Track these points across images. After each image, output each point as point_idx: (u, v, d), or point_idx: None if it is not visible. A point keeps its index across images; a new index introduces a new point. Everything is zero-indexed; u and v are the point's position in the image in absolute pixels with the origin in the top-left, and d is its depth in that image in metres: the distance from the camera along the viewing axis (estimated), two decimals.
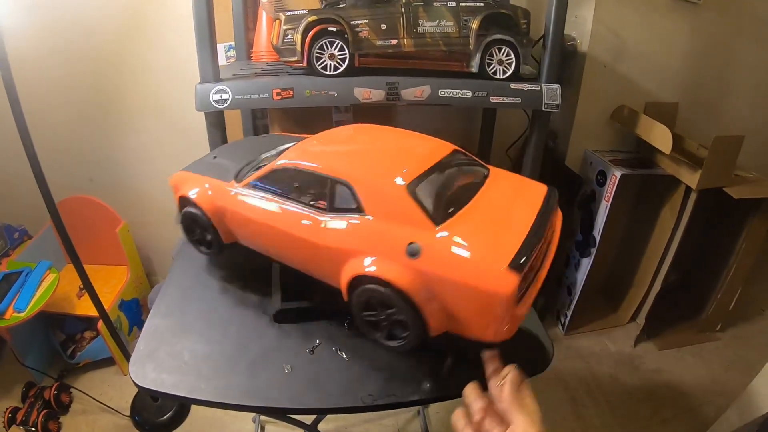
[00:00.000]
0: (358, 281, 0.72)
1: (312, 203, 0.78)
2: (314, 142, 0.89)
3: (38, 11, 1.68)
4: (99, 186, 2.04)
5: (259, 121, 1.85)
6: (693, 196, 1.74)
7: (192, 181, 0.96)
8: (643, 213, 2.03)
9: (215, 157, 1.04)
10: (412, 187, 0.72)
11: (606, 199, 1.84)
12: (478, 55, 1.30)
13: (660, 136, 1.68)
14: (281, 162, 0.83)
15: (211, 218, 0.91)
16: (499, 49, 1.30)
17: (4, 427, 1.62)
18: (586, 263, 1.97)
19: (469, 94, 1.30)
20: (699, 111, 2.00)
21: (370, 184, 0.74)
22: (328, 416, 1.43)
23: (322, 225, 0.76)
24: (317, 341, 0.85)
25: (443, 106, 1.33)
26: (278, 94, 1.25)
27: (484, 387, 0.66)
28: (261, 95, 1.25)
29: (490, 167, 0.87)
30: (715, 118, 2.06)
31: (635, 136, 1.87)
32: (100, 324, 1.70)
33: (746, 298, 2.10)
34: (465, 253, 0.66)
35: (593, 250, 1.93)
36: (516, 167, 1.90)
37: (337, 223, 0.75)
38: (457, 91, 1.30)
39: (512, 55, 1.31)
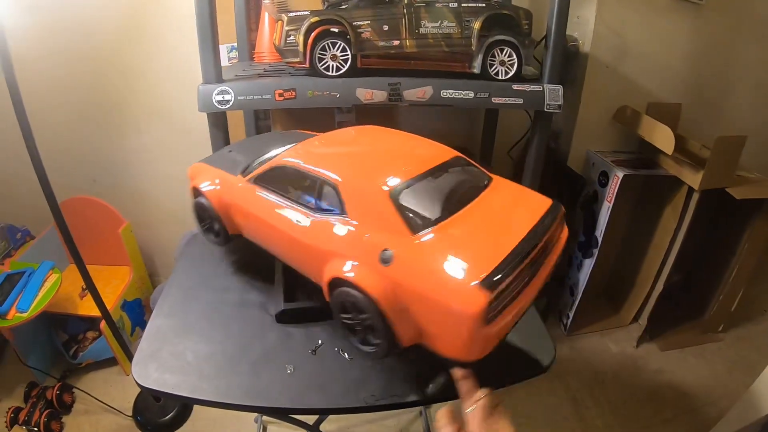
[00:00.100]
0: (335, 283, 0.72)
1: (303, 202, 0.79)
2: (315, 143, 0.90)
3: (41, 11, 1.68)
4: (102, 186, 2.05)
5: (261, 122, 1.85)
6: (695, 197, 1.74)
7: (205, 172, 0.98)
8: (645, 213, 2.02)
9: (230, 151, 1.06)
10: (396, 193, 0.70)
11: (608, 199, 1.84)
12: (480, 56, 1.30)
13: (662, 137, 1.68)
14: (280, 159, 0.84)
15: (217, 209, 0.94)
16: (501, 50, 1.30)
17: (7, 427, 1.63)
18: (588, 264, 1.97)
19: (471, 94, 1.30)
20: (701, 111, 2.00)
21: (354, 186, 0.73)
22: (331, 416, 1.43)
23: (309, 224, 0.77)
24: (320, 341, 0.85)
25: (445, 107, 1.33)
26: (281, 94, 1.25)
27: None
28: (263, 96, 1.26)
29: (495, 177, 0.85)
30: (717, 118, 2.05)
31: (637, 137, 1.86)
32: (103, 324, 1.70)
33: (749, 299, 2.10)
34: (435, 265, 0.63)
35: (595, 251, 1.92)
36: (518, 168, 1.90)
37: (322, 223, 0.75)
38: (459, 91, 1.30)
39: (514, 56, 1.31)
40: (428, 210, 0.71)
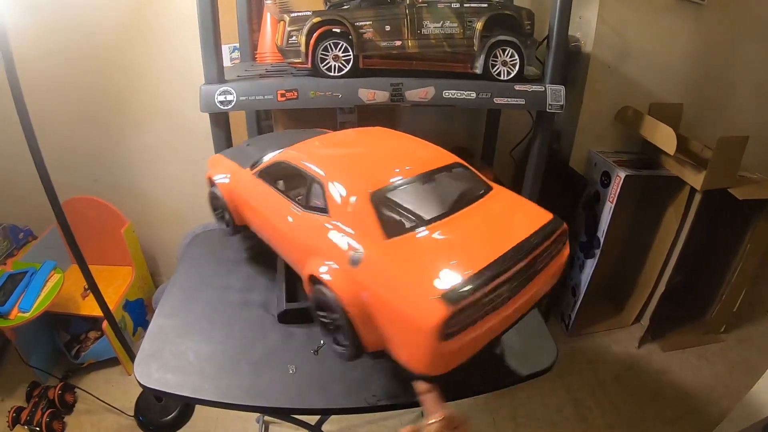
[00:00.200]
0: (313, 280, 0.72)
1: (295, 198, 0.81)
2: (316, 143, 0.91)
3: (42, 11, 1.68)
4: (104, 186, 2.05)
5: (263, 123, 1.85)
6: (697, 197, 1.74)
7: (220, 164, 1.02)
8: (647, 214, 2.02)
9: (248, 145, 1.10)
10: (378, 195, 0.70)
11: (610, 200, 1.83)
12: (483, 56, 1.30)
13: (664, 137, 1.68)
14: (280, 156, 0.86)
15: (227, 200, 0.97)
16: (504, 50, 1.30)
17: (9, 426, 1.63)
18: (590, 264, 1.97)
19: (473, 95, 1.30)
20: (703, 111, 2.00)
21: (338, 185, 0.74)
22: (332, 417, 1.43)
23: (297, 220, 0.78)
24: (322, 342, 0.85)
25: (447, 107, 1.33)
26: (283, 95, 1.25)
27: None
28: (265, 96, 1.26)
29: (496, 187, 0.83)
30: (719, 118, 2.05)
31: (639, 137, 1.86)
32: (105, 324, 1.70)
33: (751, 300, 2.09)
34: (400, 273, 0.62)
35: (597, 251, 1.92)
36: (520, 168, 1.90)
37: (308, 220, 0.76)
38: (462, 92, 1.30)
39: (516, 56, 1.31)
40: (408, 215, 0.70)
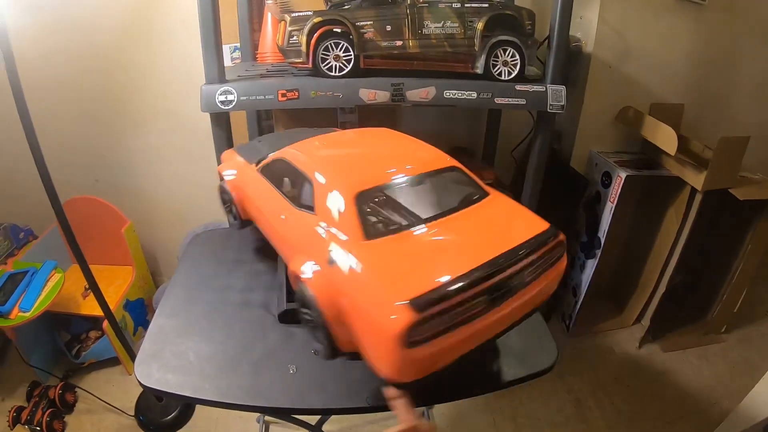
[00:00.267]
0: (297, 277, 0.72)
1: (289, 195, 0.81)
2: (316, 142, 0.92)
3: (43, 10, 1.68)
4: (104, 186, 2.05)
5: (264, 122, 1.85)
6: (698, 198, 1.74)
7: (231, 159, 1.05)
8: (648, 214, 2.02)
9: (260, 141, 1.11)
10: (363, 196, 0.70)
11: (611, 200, 1.83)
12: (483, 56, 1.30)
13: (665, 137, 1.68)
14: (279, 153, 0.87)
15: (233, 194, 0.99)
16: (504, 50, 1.30)
17: (9, 426, 1.63)
18: (591, 265, 1.97)
19: (474, 95, 1.30)
20: (704, 112, 2.00)
21: (325, 185, 0.74)
22: (333, 417, 1.43)
23: (289, 217, 0.79)
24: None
25: (448, 107, 1.33)
26: (283, 95, 1.26)
27: None
28: (266, 96, 1.26)
29: (493, 193, 0.80)
30: (720, 118, 2.05)
31: (640, 137, 1.86)
32: (105, 324, 1.70)
33: (752, 300, 2.09)
34: (371, 275, 0.61)
35: (598, 252, 1.92)
36: (521, 168, 1.90)
37: (298, 217, 0.77)
38: (462, 92, 1.30)
39: (517, 56, 1.31)
40: (390, 218, 0.69)
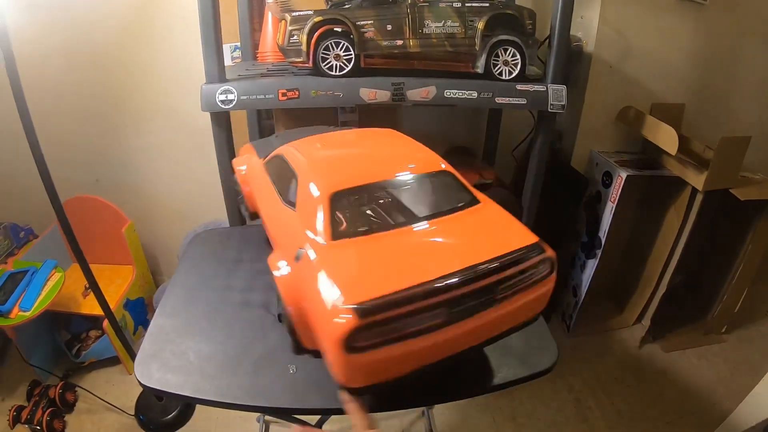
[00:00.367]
0: (270, 272, 0.73)
1: (281, 191, 0.83)
2: (315, 141, 0.92)
3: (43, 9, 1.68)
4: (105, 185, 2.05)
5: (264, 122, 1.85)
6: (699, 198, 1.74)
7: (245, 153, 1.09)
8: (648, 214, 2.02)
9: (276, 137, 1.12)
10: (339, 196, 0.69)
11: (612, 200, 1.83)
12: (484, 56, 1.30)
13: (666, 137, 1.67)
14: (279, 150, 0.89)
15: (242, 188, 1.03)
16: (505, 50, 1.30)
17: (9, 425, 1.63)
18: (591, 265, 1.96)
19: (475, 94, 1.30)
20: (705, 112, 2.00)
21: (304, 182, 0.74)
22: (333, 416, 1.43)
23: (278, 213, 0.80)
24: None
25: (449, 107, 1.32)
26: (284, 94, 1.25)
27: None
28: (266, 96, 1.25)
29: (485, 200, 0.77)
30: (721, 118, 2.05)
31: (641, 137, 1.86)
32: (106, 323, 1.70)
33: (752, 300, 2.09)
34: (325, 275, 0.59)
35: (598, 252, 1.92)
36: (521, 168, 1.90)
37: (283, 213, 0.78)
38: (463, 91, 1.29)
39: (518, 56, 1.30)
40: (361, 219, 0.69)
